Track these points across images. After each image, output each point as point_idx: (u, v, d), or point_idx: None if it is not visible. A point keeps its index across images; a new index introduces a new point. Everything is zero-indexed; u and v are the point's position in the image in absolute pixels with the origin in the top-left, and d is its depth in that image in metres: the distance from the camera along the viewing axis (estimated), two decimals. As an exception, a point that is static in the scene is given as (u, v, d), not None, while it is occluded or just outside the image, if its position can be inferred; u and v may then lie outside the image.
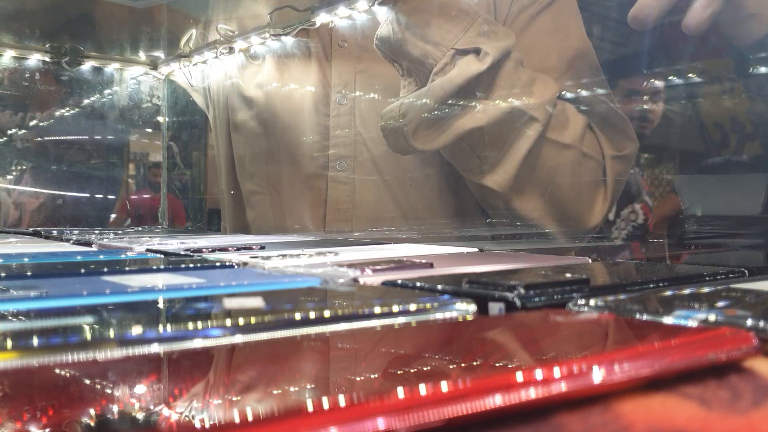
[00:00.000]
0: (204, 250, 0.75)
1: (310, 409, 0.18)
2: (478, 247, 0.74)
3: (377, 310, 0.34)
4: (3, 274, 0.51)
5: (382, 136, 1.13)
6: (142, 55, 1.71)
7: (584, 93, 0.94)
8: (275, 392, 0.21)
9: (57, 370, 0.25)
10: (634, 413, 0.21)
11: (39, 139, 1.64)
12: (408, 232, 1.14)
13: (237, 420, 0.18)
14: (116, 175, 1.74)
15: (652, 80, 0.82)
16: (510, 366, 0.23)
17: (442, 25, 1.02)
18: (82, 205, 1.69)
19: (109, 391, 0.22)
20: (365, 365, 0.26)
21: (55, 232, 1.26)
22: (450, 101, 1.02)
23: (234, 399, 0.21)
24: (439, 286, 0.41)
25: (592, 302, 0.35)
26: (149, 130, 1.78)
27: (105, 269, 0.54)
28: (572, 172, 0.93)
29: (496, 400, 0.20)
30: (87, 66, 1.66)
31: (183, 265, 0.58)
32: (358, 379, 0.24)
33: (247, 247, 0.77)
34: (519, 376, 0.21)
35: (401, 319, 0.34)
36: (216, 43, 1.49)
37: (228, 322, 0.31)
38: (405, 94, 1.08)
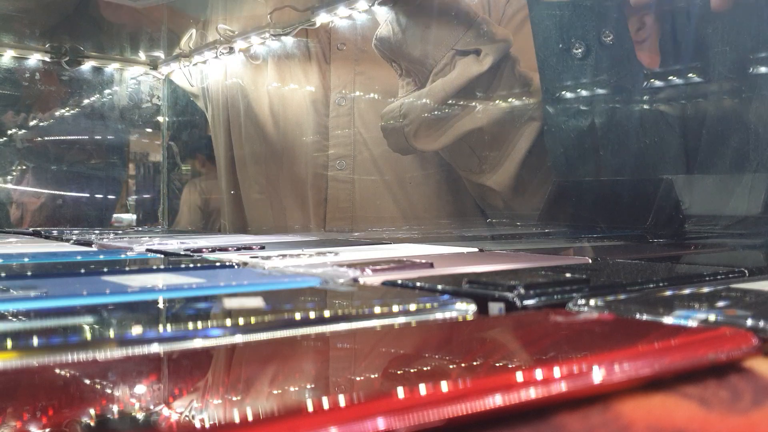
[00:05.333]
0: (204, 250, 0.75)
1: (310, 409, 0.18)
2: (478, 247, 0.74)
3: (377, 310, 0.34)
4: (3, 274, 0.51)
5: (383, 136, 1.13)
6: (142, 55, 1.71)
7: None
8: (275, 392, 0.21)
9: (57, 370, 0.25)
10: (634, 413, 0.21)
11: (39, 139, 1.64)
12: (408, 232, 1.14)
13: (237, 420, 0.18)
14: (116, 175, 1.74)
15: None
16: (510, 366, 0.23)
17: (442, 26, 1.02)
18: (82, 205, 1.69)
19: (109, 391, 0.22)
20: (365, 365, 0.26)
21: (55, 232, 1.26)
22: (450, 101, 1.02)
23: (234, 399, 0.21)
24: (439, 286, 0.41)
25: (592, 302, 0.35)
26: (149, 130, 1.78)
27: (105, 269, 0.54)
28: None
29: (496, 400, 0.20)
30: (87, 66, 1.66)
31: (183, 265, 0.58)
32: (358, 379, 0.24)
33: (247, 247, 0.77)
34: (519, 376, 0.21)
35: (401, 319, 0.34)
36: (216, 43, 1.49)
37: (228, 322, 0.31)
38: (404, 94, 1.08)
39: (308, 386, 0.23)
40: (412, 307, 0.34)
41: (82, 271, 0.54)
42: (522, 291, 0.37)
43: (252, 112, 1.42)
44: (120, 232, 1.33)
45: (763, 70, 0.71)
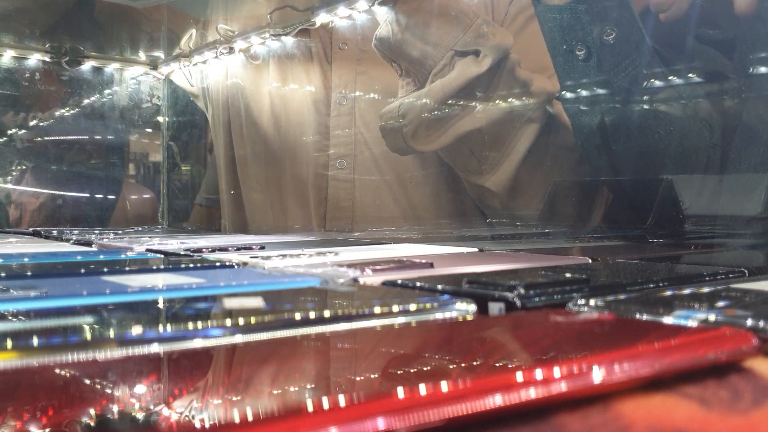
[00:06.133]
0: (204, 250, 0.75)
1: (310, 409, 0.18)
2: (478, 247, 0.74)
3: (377, 310, 0.34)
4: (3, 274, 0.51)
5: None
6: (142, 55, 1.71)
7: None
8: (275, 392, 0.22)
9: (57, 370, 0.25)
10: (634, 413, 0.21)
11: (39, 139, 1.64)
12: (408, 231, 1.14)
13: (237, 420, 0.18)
14: (116, 175, 1.74)
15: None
16: (510, 366, 0.23)
17: (441, 26, 1.02)
18: (82, 205, 1.69)
19: (109, 391, 0.22)
20: (365, 365, 0.26)
21: (55, 232, 1.26)
22: (449, 102, 1.02)
23: (234, 399, 0.21)
24: (439, 286, 0.41)
25: (592, 302, 0.35)
26: (149, 130, 1.78)
27: (105, 269, 0.54)
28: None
29: (496, 400, 0.20)
30: (87, 66, 1.66)
31: (183, 265, 0.58)
32: (358, 379, 0.24)
33: (247, 247, 0.77)
34: (519, 376, 0.21)
35: (401, 319, 0.34)
36: (216, 43, 1.49)
37: (228, 322, 0.31)
38: (403, 95, 1.08)
39: (308, 386, 0.23)
40: (412, 307, 0.34)
41: (82, 271, 0.54)
42: (522, 291, 0.37)
43: (252, 112, 1.42)
44: (120, 231, 1.33)
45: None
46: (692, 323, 0.30)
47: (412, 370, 0.24)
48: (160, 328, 0.30)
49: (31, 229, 1.44)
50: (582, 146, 0.89)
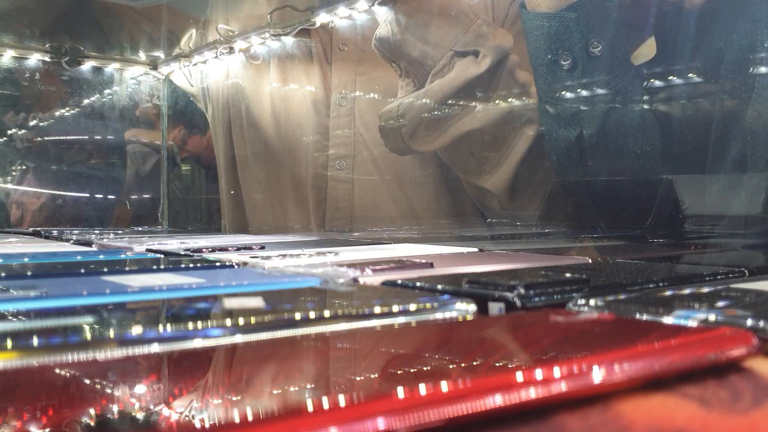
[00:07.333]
0: (204, 250, 0.75)
1: (310, 409, 0.18)
2: (478, 247, 0.74)
3: (377, 310, 0.34)
4: (3, 274, 0.51)
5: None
6: (142, 55, 1.71)
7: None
8: (275, 392, 0.21)
9: (57, 370, 0.25)
10: (634, 413, 0.21)
11: (39, 139, 1.64)
12: (408, 232, 1.14)
13: (237, 420, 0.18)
14: (116, 175, 1.74)
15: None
16: (510, 366, 0.23)
17: (441, 27, 1.02)
18: (82, 205, 1.69)
19: (109, 391, 0.22)
20: (365, 365, 0.26)
21: (55, 232, 1.26)
22: (448, 102, 1.02)
23: (234, 399, 0.21)
24: (439, 286, 0.41)
25: (592, 302, 0.35)
26: (149, 131, 1.78)
27: (105, 269, 0.54)
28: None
29: (496, 400, 0.20)
30: (87, 66, 1.66)
31: (183, 265, 0.58)
32: (358, 379, 0.24)
33: (247, 247, 0.77)
34: (519, 376, 0.21)
35: (401, 319, 0.34)
36: (216, 43, 1.49)
37: (228, 322, 0.31)
38: (403, 95, 1.08)
39: (308, 386, 0.23)
40: (412, 307, 0.34)
41: (82, 271, 0.54)
42: (522, 291, 0.37)
43: (252, 112, 1.42)
44: (120, 231, 1.33)
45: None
46: (692, 323, 0.30)
47: (412, 370, 0.24)
48: (160, 328, 0.30)
49: (31, 229, 1.44)
50: (557, 160, 0.90)
